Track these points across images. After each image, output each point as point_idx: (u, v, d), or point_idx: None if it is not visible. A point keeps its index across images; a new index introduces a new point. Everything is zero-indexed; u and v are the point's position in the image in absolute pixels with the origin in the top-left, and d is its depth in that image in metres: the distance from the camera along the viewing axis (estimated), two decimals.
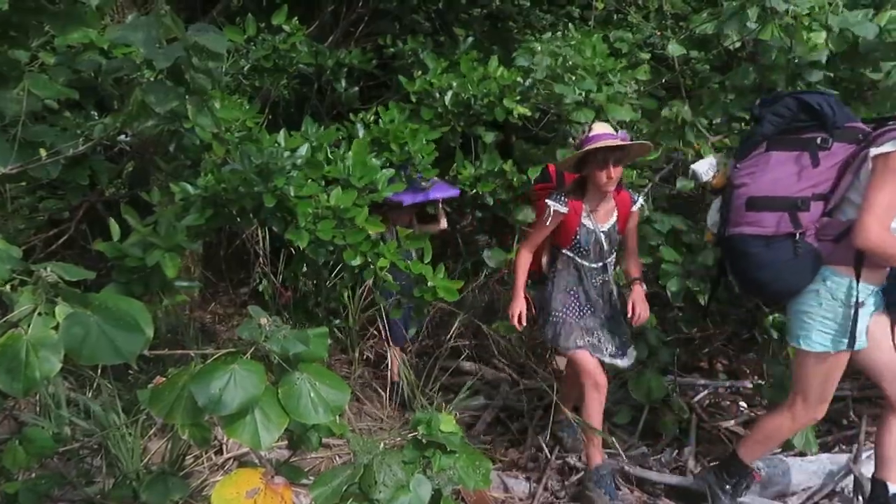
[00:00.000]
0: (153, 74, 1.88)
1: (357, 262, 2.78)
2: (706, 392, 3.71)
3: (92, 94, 2.94)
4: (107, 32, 2.57)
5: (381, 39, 4.53)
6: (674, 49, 3.94)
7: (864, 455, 2.99)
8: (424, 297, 3.09)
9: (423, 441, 2.63)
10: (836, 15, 3.77)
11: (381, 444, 1.74)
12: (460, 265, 4.50)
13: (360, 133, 3.55)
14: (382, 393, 3.81)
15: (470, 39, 4.44)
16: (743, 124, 3.72)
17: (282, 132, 2.98)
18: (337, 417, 1.78)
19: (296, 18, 3.92)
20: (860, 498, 2.79)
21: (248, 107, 3.34)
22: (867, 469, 2.87)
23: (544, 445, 3.33)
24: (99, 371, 3.03)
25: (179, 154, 3.04)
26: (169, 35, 1.75)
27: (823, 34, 3.63)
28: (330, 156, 3.03)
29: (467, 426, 3.65)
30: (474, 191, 3.89)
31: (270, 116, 4.10)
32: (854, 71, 3.97)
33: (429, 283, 3.07)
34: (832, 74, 3.71)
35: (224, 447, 3.05)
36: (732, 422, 3.55)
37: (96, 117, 2.81)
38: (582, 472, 3.10)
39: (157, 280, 2.52)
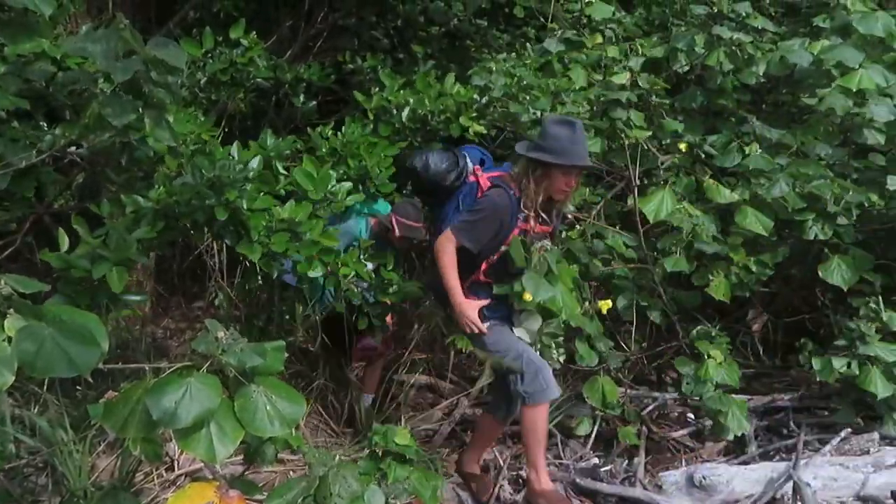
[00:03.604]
0: (110, 87, 1.88)
1: (318, 272, 2.79)
2: (655, 404, 3.80)
3: (42, 104, 2.89)
4: (63, 43, 2.54)
5: (340, 56, 4.56)
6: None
7: (803, 462, 3.11)
8: (392, 299, 3.17)
9: (379, 453, 2.66)
10: (777, 43, 3.98)
11: (337, 457, 1.76)
12: (415, 279, 4.52)
13: (319, 146, 3.57)
14: (340, 407, 3.80)
15: (428, 58, 4.51)
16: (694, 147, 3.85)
17: (235, 144, 2.97)
18: (293, 431, 1.79)
19: (254, 32, 3.93)
20: (799, 503, 2.90)
21: (203, 119, 3.32)
22: (805, 475, 2.99)
23: (498, 456, 3.37)
24: (45, 386, 2.95)
25: (132, 166, 3.00)
26: (127, 48, 1.75)
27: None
28: (283, 170, 3.04)
29: (424, 440, 3.67)
30: None
31: (227, 130, 4.08)
32: (794, 96, 4.18)
33: (393, 287, 3.13)
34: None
35: (176, 463, 3.01)
36: (680, 432, 3.65)
37: (46, 128, 2.76)
38: None
39: (104, 293, 2.48)
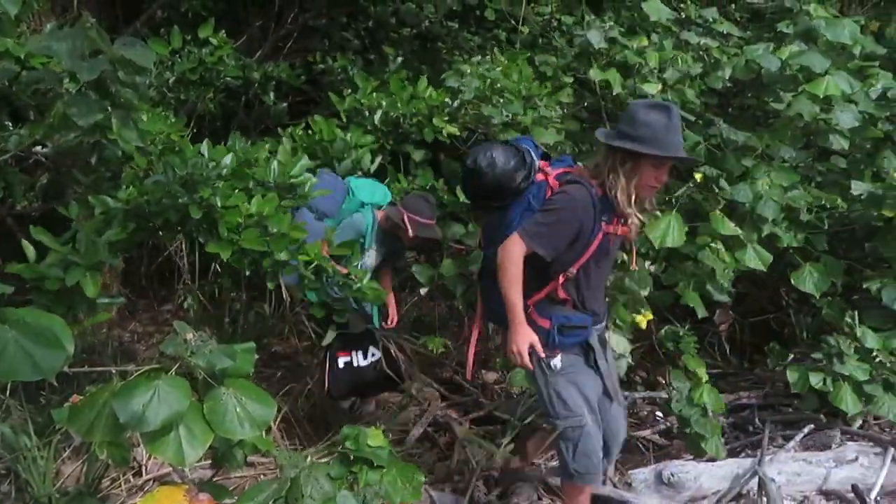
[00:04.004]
0: (75, 87, 1.85)
1: (283, 256, 2.73)
2: (625, 403, 3.85)
3: (6, 104, 2.83)
4: (28, 42, 2.49)
5: (310, 56, 4.55)
6: (595, 74, 4.12)
7: (768, 458, 3.18)
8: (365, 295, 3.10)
9: (351, 456, 2.65)
10: (743, 48, 4.05)
11: (308, 458, 1.75)
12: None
13: (288, 146, 3.53)
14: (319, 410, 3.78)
15: (399, 59, 4.51)
16: None
17: (205, 142, 2.93)
18: (263, 433, 1.78)
19: (223, 32, 3.89)
20: (764, 499, 2.96)
21: (172, 120, 3.28)
22: (770, 471, 3.06)
23: (471, 458, 3.37)
24: (8, 392, 2.89)
25: (99, 167, 2.95)
26: (94, 47, 1.72)
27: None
28: (254, 169, 3.00)
29: (396, 441, 3.66)
30: None
31: (196, 130, 4.03)
32: (760, 99, 4.26)
33: (356, 286, 3.07)
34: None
35: (143, 468, 2.97)
36: (649, 431, 3.70)
37: (10, 128, 2.70)
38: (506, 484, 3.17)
39: (80, 299, 2.43)
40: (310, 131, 3.61)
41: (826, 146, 3.82)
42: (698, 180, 3.76)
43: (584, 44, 4.09)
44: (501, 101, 3.82)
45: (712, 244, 3.58)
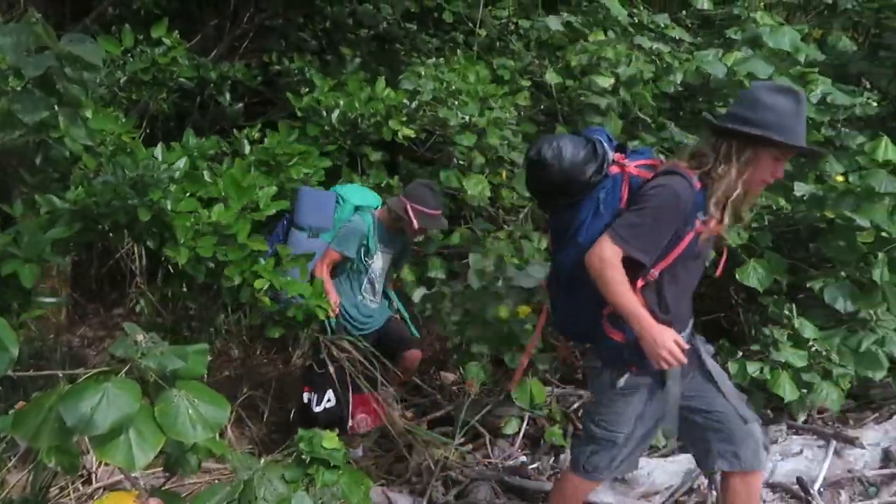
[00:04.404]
0: (20, 83, 1.80)
1: (237, 280, 2.74)
2: (581, 401, 3.90)
3: None
4: None
5: (266, 57, 4.50)
6: (551, 77, 4.18)
7: None
8: (297, 318, 3.07)
9: (306, 459, 2.63)
10: (693, 53, 4.17)
11: (262, 460, 1.73)
12: None
13: (246, 149, 3.49)
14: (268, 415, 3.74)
15: (357, 60, 4.50)
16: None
17: (159, 146, 2.89)
18: (217, 436, 1.75)
19: (176, 32, 3.82)
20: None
21: (124, 120, 3.22)
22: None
23: (429, 459, 3.39)
24: None
25: (46, 166, 2.88)
26: (40, 43, 1.69)
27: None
28: (208, 177, 2.95)
29: (350, 444, 3.65)
30: None
31: (149, 131, 3.96)
32: (710, 104, 4.38)
33: (307, 301, 3.04)
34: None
35: (93, 476, 2.90)
36: None
37: None
38: (463, 484, 3.19)
39: (14, 291, 2.37)
40: (265, 140, 3.54)
41: None
42: None
43: (542, 28, 4.14)
44: (457, 102, 3.85)
45: None
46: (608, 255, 2.06)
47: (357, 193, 3.44)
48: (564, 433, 3.59)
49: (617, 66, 3.89)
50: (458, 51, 4.57)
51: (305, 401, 3.37)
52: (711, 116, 2.25)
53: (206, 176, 2.93)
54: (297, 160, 3.42)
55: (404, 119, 3.87)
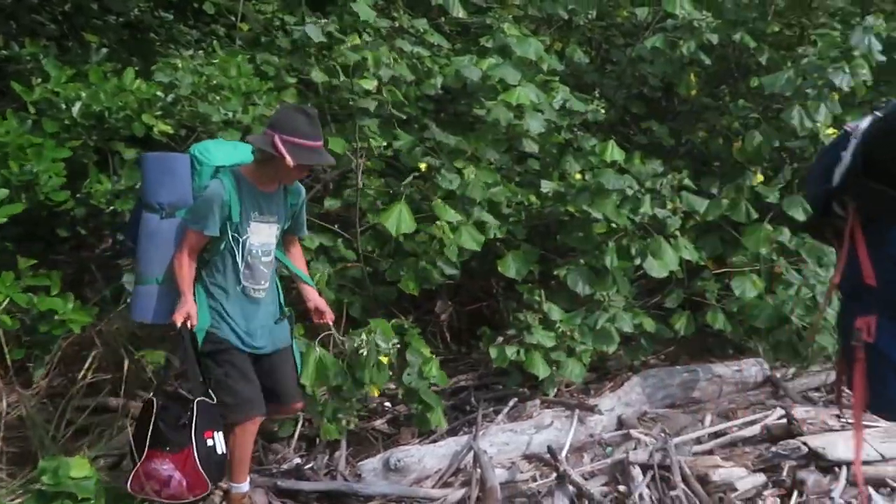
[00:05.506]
0: None
1: None
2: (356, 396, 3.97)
3: None
4: None
5: None
6: (317, 76, 4.17)
7: (481, 433, 3.51)
8: (54, 332, 2.80)
9: (49, 492, 2.38)
10: (451, 58, 4.42)
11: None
12: (99, 293, 4.10)
13: None
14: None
15: (104, 49, 4.12)
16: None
17: None
18: None
19: None
20: (479, 470, 3.25)
21: None
22: (483, 444, 3.38)
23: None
24: None
25: None
26: None
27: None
28: None
29: (113, 465, 3.36)
30: (112, 208, 3.61)
31: None
32: (470, 106, 4.68)
33: (58, 317, 2.80)
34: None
35: None
36: (380, 421, 3.87)
37: None
38: None
39: None
40: None
41: (522, 150, 4.34)
42: (423, 169, 4.08)
43: (303, 38, 4.15)
44: (219, 98, 3.69)
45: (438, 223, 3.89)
46: None
47: (220, 150, 2.74)
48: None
49: (378, 68, 4.00)
50: (218, 43, 4.38)
51: (218, 449, 2.61)
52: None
53: None
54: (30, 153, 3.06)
55: (159, 114, 3.62)
